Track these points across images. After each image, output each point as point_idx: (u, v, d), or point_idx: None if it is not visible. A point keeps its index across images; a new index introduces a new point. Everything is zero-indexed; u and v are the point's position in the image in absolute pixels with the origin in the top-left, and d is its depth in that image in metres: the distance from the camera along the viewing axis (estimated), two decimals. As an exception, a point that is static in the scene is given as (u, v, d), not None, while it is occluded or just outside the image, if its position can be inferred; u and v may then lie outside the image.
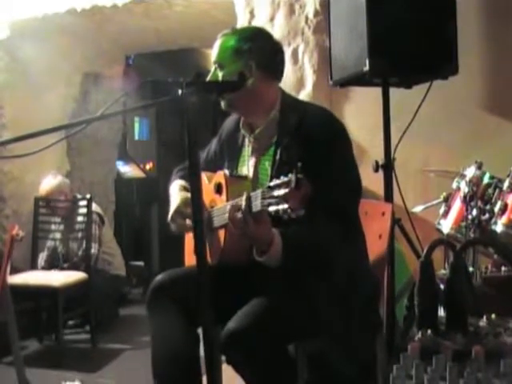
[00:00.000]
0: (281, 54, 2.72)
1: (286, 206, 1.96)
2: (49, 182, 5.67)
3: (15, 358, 3.98)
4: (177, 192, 2.79)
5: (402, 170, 3.61)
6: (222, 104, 2.63)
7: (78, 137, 6.43)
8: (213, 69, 2.63)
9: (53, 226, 5.76)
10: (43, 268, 5.55)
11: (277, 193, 1.99)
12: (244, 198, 2.19)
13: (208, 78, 2.57)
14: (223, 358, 2.37)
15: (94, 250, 5.49)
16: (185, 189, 2.81)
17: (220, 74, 2.59)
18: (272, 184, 2.03)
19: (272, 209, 2.01)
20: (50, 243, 5.74)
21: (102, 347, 5.27)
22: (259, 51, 2.60)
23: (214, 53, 2.64)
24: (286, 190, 1.96)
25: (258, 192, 2.13)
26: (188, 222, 2.66)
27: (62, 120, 6.21)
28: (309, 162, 2.25)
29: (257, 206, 2.14)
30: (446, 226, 3.41)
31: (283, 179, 1.99)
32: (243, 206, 2.18)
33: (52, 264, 5.59)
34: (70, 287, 4.99)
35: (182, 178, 2.90)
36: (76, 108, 6.76)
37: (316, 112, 2.61)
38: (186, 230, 2.81)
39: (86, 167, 7.25)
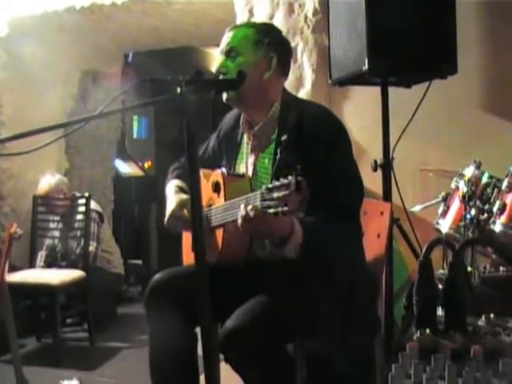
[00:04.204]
0: (292, 52, 2.76)
1: (285, 208, 1.96)
2: (47, 181, 5.67)
3: (13, 357, 3.97)
4: (172, 194, 2.77)
5: (401, 170, 3.61)
6: (225, 97, 2.59)
7: (76, 135, 6.44)
8: (222, 58, 2.60)
9: (51, 225, 5.75)
10: (42, 268, 5.54)
11: (276, 195, 1.98)
12: (258, 194, 2.15)
13: (217, 68, 2.56)
14: (221, 356, 2.36)
15: (92, 248, 5.48)
16: (181, 189, 2.79)
17: (235, 63, 2.56)
18: (271, 186, 2.02)
19: (271, 211, 2.01)
20: (48, 241, 5.73)
21: (100, 345, 5.26)
22: (279, 46, 2.63)
23: (224, 42, 2.61)
24: (286, 192, 1.95)
25: (257, 193, 2.11)
26: (184, 224, 2.65)
27: (60, 118, 6.23)
28: (309, 160, 2.26)
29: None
30: (445, 225, 3.42)
31: (283, 181, 1.98)
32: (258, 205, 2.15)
33: (51, 262, 5.58)
34: (68, 285, 4.99)
35: (178, 177, 2.88)
36: (74, 106, 6.77)
37: (316, 110, 2.61)
38: (184, 230, 2.80)
39: (85, 166, 7.25)
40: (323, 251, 2.36)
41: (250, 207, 2.15)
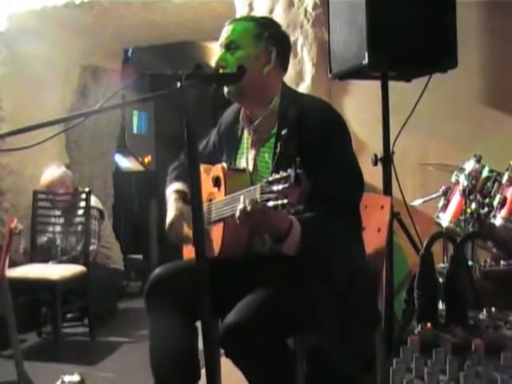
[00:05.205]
0: (291, 47, 2.78)
1: (284, 201, 1.95)
2: (51, 173, 5.61)
3: (14, 352, 3.98)
4: (172, 202, 2.77)
5: (401, 164, 3.61)
6: (226, 90, 2.59)
7: (76, 130, 6.42)
8: (221, 52, 2.59)
9: (52, 219, 5.73)
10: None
11: (276, 188, 1.98)
12: (258, 188, 2.15)
13: (216, 61, 2.56)
14: (222, 351, 2.36)
15: (93, 247, 5.46)
16: (181, 195, 2.79)
17: (234, 56, 2.55)
18: (271, 179, 2.02)
19: (271, 204, 2.00)
20: (49, 236, 5.70)
21: (100, 340, 5.27)
22: (278, 40, 2.63)
23: (224, 35, 2.60)
24: (285, 185, 1.95)
25: (257, 186, 2.11)
26: (185, 232, 2.65)
27: (60, 113, 6.22)
28: (309, 154, 2.26)
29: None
30: (445, 219, 3.42)
31: (282, 174, 1.98)
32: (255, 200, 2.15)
33: (50, 257, 5.55)
34: (68, 280, 4.98)
35: (177, 178, 2.88)
36: (74, 101, 6.76)
37: (316, 104, 2.61)
38: (183, 242, 2.80)
39: (85, 161, 7.25)
40: (322, 248, 2.36)
41: (248, 200, 2.15)
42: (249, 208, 2.14)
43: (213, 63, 2.58)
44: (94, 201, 5.57)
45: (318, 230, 2.34)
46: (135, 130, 8.97)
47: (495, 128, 4.05)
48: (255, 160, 2.64)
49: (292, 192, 1.94)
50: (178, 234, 2.68)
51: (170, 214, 2.71)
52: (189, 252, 2.80)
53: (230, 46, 2.58)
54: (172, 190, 2.83)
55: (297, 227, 2.27)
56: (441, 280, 2.44)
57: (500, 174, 3.21)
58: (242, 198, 2.20)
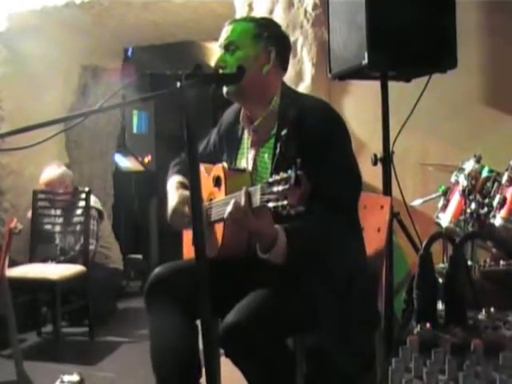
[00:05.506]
0: (291, 47, 2.78)
1: (285, 202, 1.96)
2: (51, 172, 5.62)
3: (14, 351, 3.98)
4: (174, 190, 2.78)
5: (401, 164, 3.61)
6: (225, 91, 2.60)
7: (76, 130, 6.42)
8: (220, 52, 2.60)
9: (52, 219, 5.73)
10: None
11: (276, 189, 1.99)
12: (243, 192, 2.18)
13: (216, 62, 2.57)
14: (222, 351, 2.36)
15: (92, 247, 5.45)
16: (182, 185, 2.80)
17: (234, 57, 2.56)
18: (271, 180, 2.03)
19: (271, 205, 2.01)
20: (48, 235, 5.70)
21: (100, 340, 5.28)
22: (278, 40, 2.64)
23: (223, 36, 2.61)
24: (286, 187, 1.95)
25: (257, 187, 2.12)
26: (187, 220, 2.65)
27: (60, 113, 6.21)
28: (308, 154, 2.26)
29: (256, 201, 2.13)
30: (445, 219, 3.41)
31: (282, 175, 1.98)
32: (243, 202, 2.17)
33: (49, 256, 5.55)
34: (68, 280, 4.98)
35: (178, 172, 2.89)
36: (75, 101, 6.76)
37: (315, 104, 2.61)
38: (185, 228, 2.80)
39: (85, 160, 7.24)
40: (313, 253, 2.36)
41: (243, 193, 2.17)
42: (243, 201, 2.16)
43: (213, 63, 2.59)
44: (93, 201, 5.56)
45: (307, 238, 2.35)
46: (135, 130, 8.97)
47: (495, 128, 4.04)
48: (255, 160, 2.64)
49: (292, 193, 1.94)
50: (181, 220, 2.68)
51: (172, 201, 2.72)
52: (189, 252, 2.80)
53: (229, 47, 2.58)
54: (174, 180, 2.85)
55: (281, 240, 2.28)
56: (440, 280, 2.44)
57: (500, 174, 3.20)
58: (231, 200, 2.22)
